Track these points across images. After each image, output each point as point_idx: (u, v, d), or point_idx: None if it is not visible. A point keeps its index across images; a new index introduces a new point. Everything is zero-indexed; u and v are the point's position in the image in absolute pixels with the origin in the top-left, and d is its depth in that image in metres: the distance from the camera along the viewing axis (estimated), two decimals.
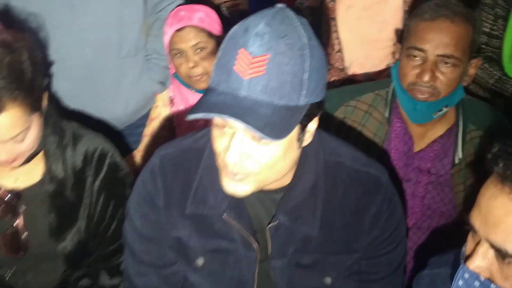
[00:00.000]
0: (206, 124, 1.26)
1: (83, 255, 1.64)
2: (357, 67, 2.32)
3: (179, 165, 1.34)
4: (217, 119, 1.12)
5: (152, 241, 1.39)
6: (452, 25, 1.63)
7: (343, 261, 1.36)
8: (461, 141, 1.76)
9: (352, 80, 2.30)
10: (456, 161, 1.77)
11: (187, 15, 2.00)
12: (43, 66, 1.50)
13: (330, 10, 2.30)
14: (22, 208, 1.56)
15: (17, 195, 1.55)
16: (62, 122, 1.59)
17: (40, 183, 1.56)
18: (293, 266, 1.35)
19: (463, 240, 1.15)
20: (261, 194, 1.29)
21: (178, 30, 1.99)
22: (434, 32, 1.64)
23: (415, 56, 1.67)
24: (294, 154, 1.19)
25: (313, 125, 1.20)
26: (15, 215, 1.56)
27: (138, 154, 2.20)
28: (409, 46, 1.68)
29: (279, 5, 1.13)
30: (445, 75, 1.64)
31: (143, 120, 2.20)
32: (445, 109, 1.71)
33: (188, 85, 2.07)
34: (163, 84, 2.15)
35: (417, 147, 1.80)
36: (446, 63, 1.64)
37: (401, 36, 1.77)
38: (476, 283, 1.08)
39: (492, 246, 1.04)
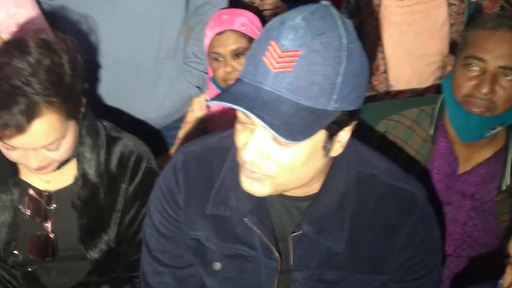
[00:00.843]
0: None
1: (112, 263, 1.59)
2: (404, 84, 2.27)
3: (203, 163, 1.30)
4: (241, 113, 1.07)
5: (169, 239, 1.35)
6: None
7: (369, 282, 1.28)
8: (510, 166, 1.66)
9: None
10: (503, 187, 1.66)
11: (229, 19, 1.99)
12: (85, 71, 1.43)
13: (374, 28, 2.25)
14: (53, 211, 1.52)
15: (48, 197, 1.52)
16: (97, 124, 1.55)
17: (72, 186, 1.52)
18: (315, 281, 1.28)
19: (503, 272, 1.07)
20: (286, 201, 1.24)
21: (219, 33, 1.97)
22: (496, 42, 1.54)
23: (473, 66, 1.57)
24: (318, 162, 1.12)
25: (345, 135, 1.13)
26: (45, 218, 1.53)
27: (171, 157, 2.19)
28: (467, 56, 1.59)
29: (324, 2, 1.06)
30: (505, 90, 1.55)
31: (178, 123, 2.19)
32: (499, 128, 1.62)
33: (223, 89, 2.05)
34: (200, 88, 2.14)
35: (462, 169, 1.71)
36: (507, 76, 1.54)
37: (455, 47, 1.68)
38: None
39: None
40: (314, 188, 1.22)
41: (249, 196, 1.18)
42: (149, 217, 1.38)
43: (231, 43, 1.96)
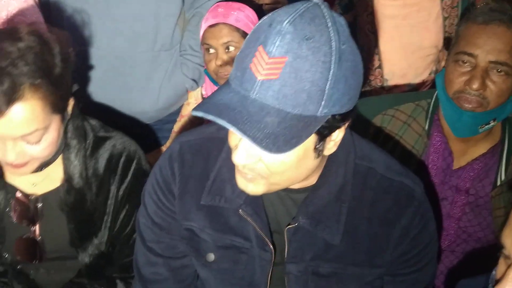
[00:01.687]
0: None
1: (104, 266, 1.56)
2: (399, 78, 2.26)
3: (199, 152, 1.29)
4: None
5: (164, 230, 1.34)
6: (508, 31, 1.53)
7: (364, 274, 1.28)
8: (505, 161, 1.66)
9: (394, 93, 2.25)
10: (498, 182, 1.66)
11: (223, 12, 1.97)
12: (77, 67, 1.41)
13: (368, 23, 2.24)
14: (40, 214, 1.49)
15: (35, 200, 1.48)
16: (84, 125, 1.50)
17: (59, 189, 1.48)
18: (310, 274, 1.28)
19: (496, 263, 1.08)
20: (282, 193, 1.23)
21: (211, 25, 1.96)
22: (486, 37, 1.53)
23: (464, 62, 1.57)
24: (309, 163, 1.11)
25: (338, 135, 1.11)
26: (33, 221, 1.49)
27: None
28: (458, 51, 1.58)
29: (315, 0, 1.03)
30: (496, 85, 1.54)
31: (174, 116, 2.17)
32: (492, 123, 1.61)
33: (216, 82, 2.04)
34: (196, 81, 2.13)
35: (457, 164, 1.71)
36: (499, 71, 1.54)
37: (449, 42, 1.68)
38: None
39: None
40: (311, 180, 1.22)
41: None
42: (143, 207, 1.37)
43: (223, 36, 1.94)
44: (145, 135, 1.68)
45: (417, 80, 2.25)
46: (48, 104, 1.29)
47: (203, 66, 2.09)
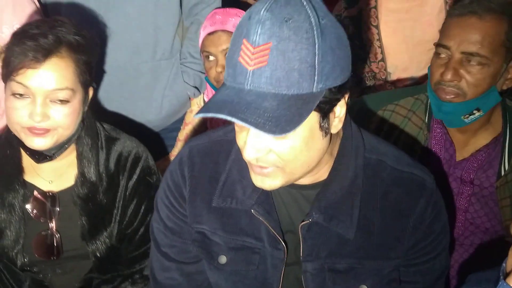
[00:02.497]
0: None
1: (115, 260, 1.62)
2: (401, 71, 2.27)
3: (208, 156, 1.30)
4: None
5: (176, 234, 1.35)
6: (480, 22, 1.54)
7: (381, 268, 1.28)
8: (508, 151, 1.67)
9: (397, 86, 2.27)
10: (502, 172, 1.67)
11: (221, 19, 1.98)
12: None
13: (372, 17, 2.26)
14: (57, 211, 1.56)
15: (52, 197, 1.56)
16: (97, 125, 1.60)
17: (74, 186, 1.56)
18: (326, 271, 1.28)
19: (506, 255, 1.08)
20: (293, 190, 1.24)
21: (210, 33, 1.97)
22: (459, 29, 1.57)
23: (442, 54, 1.60)
24: (320, 143, 1.12)
25: (341, 110, 1.12)
26: (50, 218, 1.56)
27: (172, 159, 2.18)
28: (437, 44, 1.63)
29: None
30: (471, 75, 1.57)
31: (178, 124, 2.19)
32: (477, 113, 1.62)
33: (217, 89, 2.05)
34: (198, 89, 2.14)
35: (460, 156, 1.72)
36: (471, 61, 1.56)
37: None
38: None
39: None
40: (321, 175, 1.23)
41: (255, 188, 1.19)
42: (156, 212, 1.38)
43: (222, 43, 1.95)
44: (151, 143, 1.69)
45: (419, 73, 2.25)
46: (78, 69, 1.45)
47: (204, 73, 2.10)
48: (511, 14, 1.57)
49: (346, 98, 1.12)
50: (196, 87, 2.13)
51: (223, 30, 1.96)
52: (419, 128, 1.73)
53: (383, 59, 2.27)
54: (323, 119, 1.09)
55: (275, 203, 1.27)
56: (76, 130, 1.52)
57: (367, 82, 2.29)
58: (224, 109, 1.01)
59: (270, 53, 1.00)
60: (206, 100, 2.16)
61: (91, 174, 1.55)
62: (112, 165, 1.58)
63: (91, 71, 1.52)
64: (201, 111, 1.04)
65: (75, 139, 1.54)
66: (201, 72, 2.11)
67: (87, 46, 1.48)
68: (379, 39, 2.25)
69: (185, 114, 2.19)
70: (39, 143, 1.46)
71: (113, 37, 1.96)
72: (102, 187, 1.57)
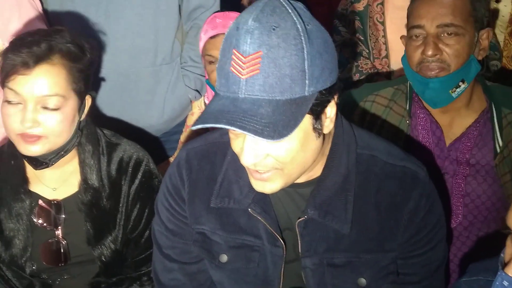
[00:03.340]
0: None
1: (120, 264, 1.65)
2: None
3: (205, 158, 1.34)
4: None
5: (177, 235, 1.39)
6: None
7: (378, 260, 1.31)
8: (498, 126, 1.69)
9: None
10: (498, 149, 1.68)
11: (222, 22, 1.98)
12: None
13: (378, 13, 2.29)
14: (62, 218, 1.58)
15: (57, 205, 1.58)
16: (97, 132, 1.62)
17: (78, 193, 1.59)
18: (325, 266, 1.31)
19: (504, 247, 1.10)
20: (289, 189, 1.27)
21: (212, 37, 1.98)
22: (428, 6, 1.63)
23: (417, 36, 1.65)
24: (314, 144, 1.16)
25: (331, 111, 1.16)
26: (56, 225, 1.58)
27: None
28: (408, 28, 1.68)
29: None
30: (451, 46, 1.61)
31: (180, 127, 2.20)
32: (462, 85, 1.65)
33: None
34: (199, 92, 2.15)
35: (448, 138, 1.73)
36: (449, 33, 1.61)
37: None
38: None
39: None
40: (315, 173, 1.26)
41: (252, 187, 1.21)
42: (157, 215, 1.42)
43: None
44: (153, 147, 1.71)
45: None
46: (71, 76, 1.47)
47: (204, 76, 2.12)
48: None
49: (336, 99, 1.16)
50: (197, 90, 2.15)
51: (225, 34, 1.97)
52: (401, 116, 1.76)
53: (387, 56, 2.29)
54: (315, 120, 1.13)
55: (271, 201, 1.30)
56: (72, 137, 1.53)
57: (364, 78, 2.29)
58: (222, 118, 1.04)
59: (261, 61, 1.04)
60: (207, 103, 2.17)
61: (94, 181, 1.58)
62: (113, 170, 1.61)
63: (86, 79, 1.53)
64: (199, 121, 1.07)
65: (75, 146, 1.56)
66: (202, 75, 2.13)
67: (82, 54, 1.50)
68: (384, 36, 2.28)
69: (186, 117, 2.20)
70: (31, 150, 1.47)
71: (113, 43, 1.97)
72: (105, 193, 1.59)
